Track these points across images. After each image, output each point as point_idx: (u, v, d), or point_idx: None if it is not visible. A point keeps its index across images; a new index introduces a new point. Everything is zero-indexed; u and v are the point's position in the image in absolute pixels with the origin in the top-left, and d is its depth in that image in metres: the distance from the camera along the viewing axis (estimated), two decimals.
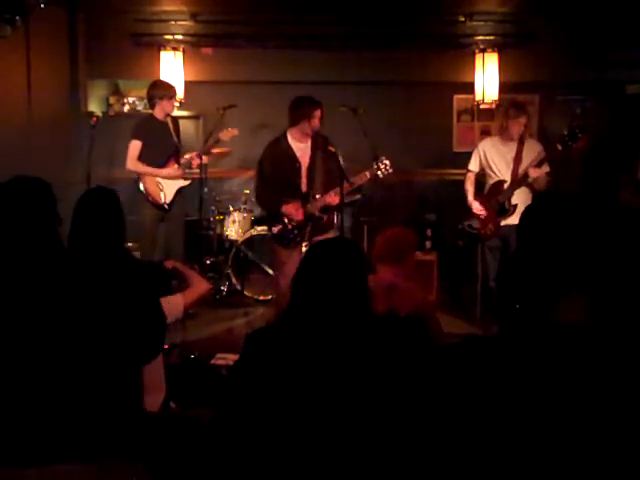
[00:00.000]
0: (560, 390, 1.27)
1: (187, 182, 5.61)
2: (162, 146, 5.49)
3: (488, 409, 1.30)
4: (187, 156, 5.60)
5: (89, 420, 1.92)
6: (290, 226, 4.74)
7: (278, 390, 1.81)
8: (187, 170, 5.62)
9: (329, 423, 1.76)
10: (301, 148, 4.75)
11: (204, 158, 5.61)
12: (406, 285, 3.14)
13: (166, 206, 5.48)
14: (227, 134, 5.67)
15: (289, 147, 4.74)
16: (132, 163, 5.41)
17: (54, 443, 1.84)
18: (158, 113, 5.46)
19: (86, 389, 2.02)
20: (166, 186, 5.49)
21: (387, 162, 4.63)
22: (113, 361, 2.37)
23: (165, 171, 5.47)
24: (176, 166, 5.52)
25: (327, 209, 4.73)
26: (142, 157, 5.41)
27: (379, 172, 4.63)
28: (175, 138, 5.57)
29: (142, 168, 5.42)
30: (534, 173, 4.79)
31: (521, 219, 1.44)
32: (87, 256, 2.79)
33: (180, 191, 5.57)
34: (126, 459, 1.88)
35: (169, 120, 5.54)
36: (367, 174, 4.64)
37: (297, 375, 1.81)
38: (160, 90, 5.44)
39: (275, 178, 4.74)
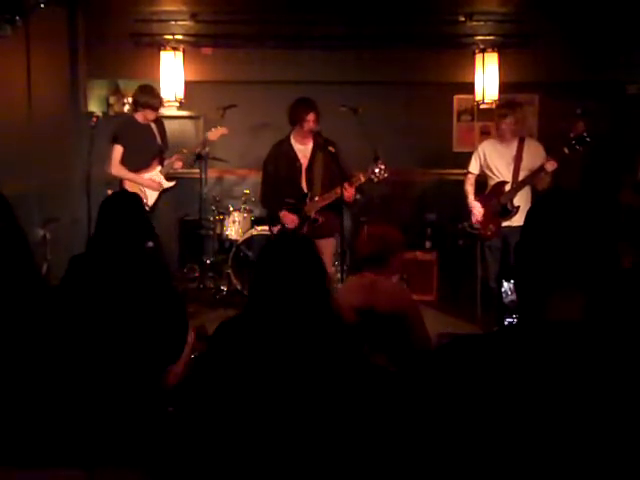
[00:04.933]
0: (551, 390, 1.26)
1: (171, 183, 5.54)
2: (144, 149, 5.44)
3: (476, 410, 1.30)
4: (169, 160, 5.53)
5: (106, 423, 1.93)
6: (287, 226, 4.81)
7: (232, 381, 1.86)
8: (170, 171, 5.56)
9: (283, 419, 1.80)
10: (302, 149, 4.80)
11: (178, 164, 5.56)
12: (388, 283, 3.15)
13: (147, 208, 5.30)
14: (215, 133, 5.62)
15: (291, 148, 4.81)
16: (116, 168, 5.37)
17: (59, 445, 1.85)
18: (139, 117, 5.42)
19: (106, 395, 2.03)
20: (148, 189, 5.45)
21: (382, 166, 4.62)
22: (135, 364, 2.38)
23: (144, 181, 5.42)
24: (159, 168, 5.47)
25: (325, 210, 4.76)
26: (124, 161, 5.37)
27: (372, 176, 4.64)
28: (159, 140, 5.51)
29: (125, 173, 5.38)
30: (551, 166, 4.74)
31: (527, 213, 1.45)
32: (110, 258, 2.83)
33: (163, 192, 5.51)
34: (124, 465, 1.89)
35: (152, 122, 5.47)
36: (361, 177, 4.65)
37: (252, 367, 1.86)
38: (145, 98, 5.37)
39: (277, 178, 4.83)
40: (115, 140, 5.35)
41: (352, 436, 1.78)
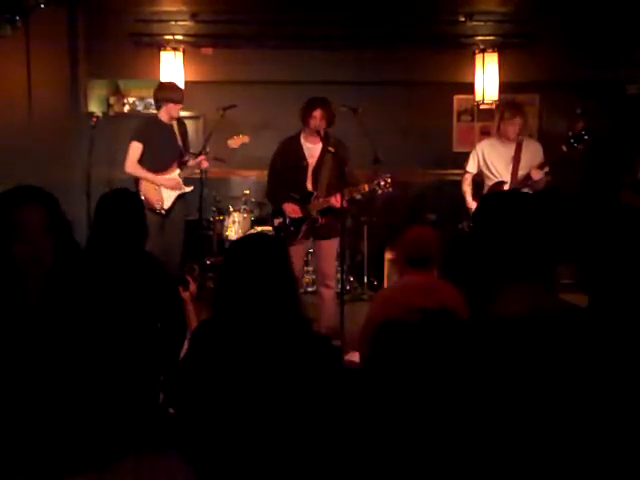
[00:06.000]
0: (493, 387, 1.26)
1: (189, 188, 5.42)
2: (165, 150, 5.31)
3: (420, 406, 1.30)
4: (194, 160, 5.41)
5: (104, 425, 1.94)
6: (288, 221, 4.81)
7: (208, 380, 1.92)
8: (194, 172, 5.48)
9: (254, 414, 1.85)
10: (311, 148, 4.80)
11: (205, 163, 5.47)
12: (447, 284, 3.15)
13: (163, 212, 5.27)
14: (237, 141, 5.54)
15: (300, 146, 4.81)
16: (131, 166, 5.23)
17: (68, 452, 1.85)
18: (163, 116, 5.31)
19: (104, 393, 2.04)
20: (166, 192, 5.30)
21: (388, 179, 4.61)
22: (133, 363, 2.39)
23: (162, 179, 5.28)
24: (177, 171, 5.35)
25: (327, 212, 4.76)
26: (142, 160, 5.25)
27: (377, 188, 4.64)
28: (180, 142, 5.41)
29: (141, 172, 5.24)
30: (536, 175, 4.78)
31: (474, 213, 1.45)
32: (108, 257, 2.83)
33: (181, 197, 5.40)
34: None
35: (175, 123, 5.38)
36: (366, 187, 4.64)
37: (225, 364, 1.91)
38: (166, 93, 5.28)
39: (283, 174, 4.84)
40: (134, 137, 5.23)
41: (325, 430, 1.81)
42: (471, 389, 1.26)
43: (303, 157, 4.80)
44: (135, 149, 5.24)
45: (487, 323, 1.33)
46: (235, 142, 5.54)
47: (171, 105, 5.26)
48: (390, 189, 4.66)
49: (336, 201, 4.59)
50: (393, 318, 3.07)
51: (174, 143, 5.38)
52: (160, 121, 5.33)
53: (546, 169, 4.84)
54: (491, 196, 1.52)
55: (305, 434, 1.81)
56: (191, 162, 5.43)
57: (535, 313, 1.32)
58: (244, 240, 2.21)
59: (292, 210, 4.78)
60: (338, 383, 1.91)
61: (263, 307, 1.94)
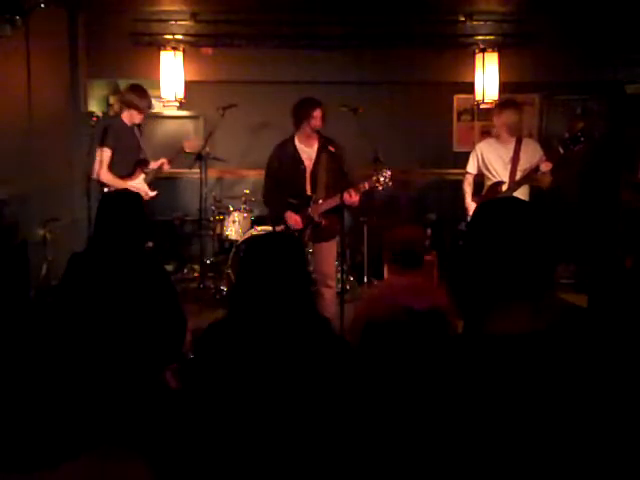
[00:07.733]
0: (491, 410, 1.22)
1: (153, 193, 5.31)
2: (131, 154, 5.18)
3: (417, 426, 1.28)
4: (156, 163, 5.32)
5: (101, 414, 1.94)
6: (291, 227, 4.79)
7: (222, 383, 1.89)
8: (158, 175, 5.37)
9: (271, 419, 1.82)
10: (307, 151, 4.77)
11: (166, 166, 5.36)
12: (432, 286, 3.16)
13: None
14: (190, 144, 5.51)
15: (295, 150, 4.77)
16: (104, 174, 5.00)
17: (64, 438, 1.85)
18: (126, 118, 5.18)
19: (104, 392, 2.03)
20: None
21: (388, 174, 4.59)
22: (133, 361, 2.39)
23: (133, 184, 5.08)
24: (142, 176, 5.20)
25: (328, 213, 4.74)
26: (111, 166, 5.06)
27: (378, 184, 4.62)
28: (141, 144, 5.29)
29: (115, 180, 5.02)
30: (546, 167, 4.77)
31: (468, 223, 1.42)
32: (110, 256, 2.84)
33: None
34: (123, 447, 1.90)
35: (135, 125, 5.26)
36: (366, 185, 4.62)
37: (239, 370, 1.88)
38: (133, 99, 5.14)
39: (281, 179, 4.80)
40: (104, 144, 5.03)
41: (340, 435, 1.80)
42: (452, 399, 1.24)
43: (300, 161, 4.76)
44: (106, 155, 5.02)
45: (478, 339, 1.31)
46: (189, 145, 5.52)
47: (134, 112, 5.16)
48: (390, 183, 4.64)
49: (337, 199, 4.58)
50: (377, 318, 3.09)
51: (138, 146, 5.26)
52: (124, 123, 5.19)
53: (549, 166, 4.82)
54: (482, 212, 1.46)
55: (321, 433, 1.80)
56: (152, 165, 5.32)
57: (524, 331, 1.28)
58: (263, 239, 2.18)
59: (295, 222, 4.74)
60: (355, 384, 1.89)
61: (282, 306, 1.92)
